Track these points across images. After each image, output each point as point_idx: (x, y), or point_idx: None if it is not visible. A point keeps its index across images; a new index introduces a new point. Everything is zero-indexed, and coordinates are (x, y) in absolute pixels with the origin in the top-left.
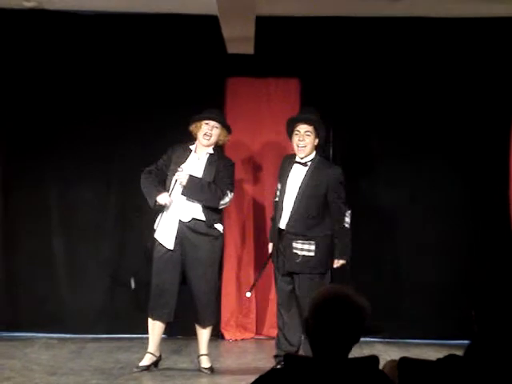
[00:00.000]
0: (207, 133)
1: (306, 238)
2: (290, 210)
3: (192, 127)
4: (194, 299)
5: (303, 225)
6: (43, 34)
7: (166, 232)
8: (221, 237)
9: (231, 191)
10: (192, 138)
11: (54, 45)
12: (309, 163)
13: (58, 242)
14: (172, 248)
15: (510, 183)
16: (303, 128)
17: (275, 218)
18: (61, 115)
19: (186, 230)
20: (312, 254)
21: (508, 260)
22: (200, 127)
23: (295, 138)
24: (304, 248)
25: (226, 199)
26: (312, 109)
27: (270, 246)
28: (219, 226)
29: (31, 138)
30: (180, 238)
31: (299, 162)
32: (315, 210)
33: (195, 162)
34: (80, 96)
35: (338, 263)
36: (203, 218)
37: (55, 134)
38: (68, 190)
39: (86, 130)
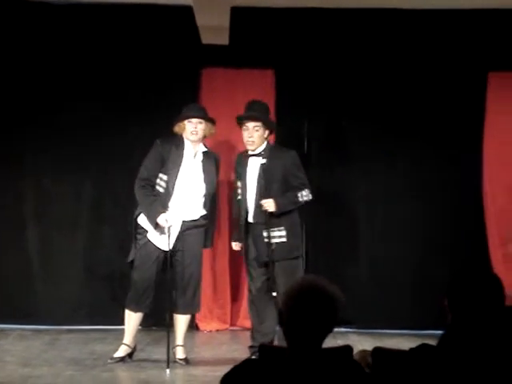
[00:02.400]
0: (193, 131)
1: (275, 225)
2: (254, 201)
3: (176, 128)
4: (184, 288)
5: (269, 213)
6: (16, 23)
7: (164, 234)
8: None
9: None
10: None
11: (29, 34)
12: (262, 152)
13: (32, 233)
14: (171, 249)
15: (483, 175)
16: (251, 124)
17: (241, 216)
18: (36, 105)
19: (184, 228)
20: (284, 239)
21: (480, 251)
22: (184, 127)
23: (245, 133)
24: (275, 235)
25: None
26: (258, 103)
27: (234, 245)
28: None
29: (5, 128)
30: (178, 239)
31: (253, 155)
32: (278, 195)
33: (192, 164)
34: (55, 86)
35: (265, 202)
36: (202, 214)
37: (31, 124)
38: (43, 181)
39: (62, 120)
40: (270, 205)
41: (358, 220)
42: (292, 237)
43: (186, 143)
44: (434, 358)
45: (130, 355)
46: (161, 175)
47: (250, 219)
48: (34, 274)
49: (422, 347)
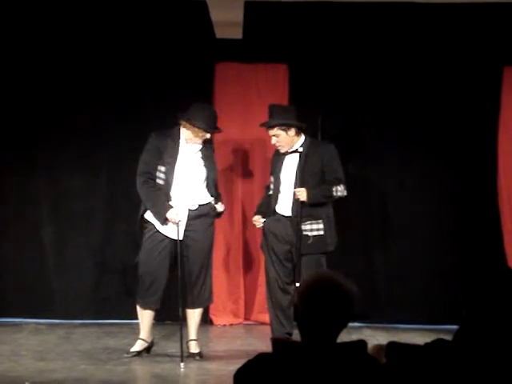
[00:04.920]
0: (204, 139)
1: (313, 217)
2: (292, 195)
3: (190, 127)
4: (193, 281)
5: (307, 206)
6: (27, 20)
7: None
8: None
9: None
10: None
11: (41, 31)
12: (300, 149)
13: (47, 229)
14: (181, 238)
15: (498, 170)
16: (270, 133)
17: (270, 209)
18: (50, 102)
19: (192, 217)
20: (322, 232)
21: (495, 245)
22: (202, 135)
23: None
24: (313, 228)
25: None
26: (274, 108)
27: (257, 217)
28: (218, 206)
29: (21, 126)
30: (186, 226)
31: (291, 152)
32: (312, 187)
33: (190, 152)
34: (69, 83)
35: (298, 191)
36: (208, 201)
37: (45, 121)
38: (57, 178)
39: (75, 117)
40: (301, 194)
41: (372, 214)
42: (329, 230)
43: (183, 136)
44: (449, 353)
45: (147, 350)
46: (159, 167)
47: (287, 212)
48: (49, 269)
49: (438, 342)
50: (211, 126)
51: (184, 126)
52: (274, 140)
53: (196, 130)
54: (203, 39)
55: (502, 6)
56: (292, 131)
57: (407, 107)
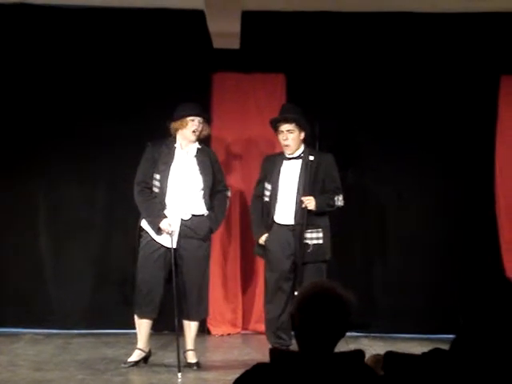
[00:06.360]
0: (195, 129)
1: (314, 226)
2: (294, 203)
3: (176, 124)
4: (188, 294)
5: (310, 214)
6: (26, 29)
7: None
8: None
9: (228, 189)
10: (168, 134)
11: (39, 41)
12: (302, 155)
13: (44, 239)
14: (175, 246)
15: (495, 179)
16: (285, 127)
17: (267, 216)
18: (47, 112)
19: (185, 227)
20: (321, 241)
21: (493, 255)
22: (186, 124)
23: (280, 137)
24: (313, 237)
25: (228, 201)
26: (292, 106)
27: (265, 237)
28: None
29: (18, 135)
30: (179, 236)
31: (291, 158)
32: (317, 195)
33: (185, 159)
34: (66, 93)
35: (307, 199)
36: (202, 212)
37: (42, 130)
38: (55, 187)
39: (73, 127)
40: (310, 202)
41: (370, 224)
42: (327, 239)
43: (178, 142)
44: (446, 363)
45: (145, 360)
46: (155, 175)
47: (288, 221)
48: (47, 279)
49: (435, 351)
50: (197, 110)
51: (177, 128)
52: (284, 136)
53: (186, 119)
54: (201, 49)
55: (499, 15)
56: (302, 135)
57: (405, 116)
